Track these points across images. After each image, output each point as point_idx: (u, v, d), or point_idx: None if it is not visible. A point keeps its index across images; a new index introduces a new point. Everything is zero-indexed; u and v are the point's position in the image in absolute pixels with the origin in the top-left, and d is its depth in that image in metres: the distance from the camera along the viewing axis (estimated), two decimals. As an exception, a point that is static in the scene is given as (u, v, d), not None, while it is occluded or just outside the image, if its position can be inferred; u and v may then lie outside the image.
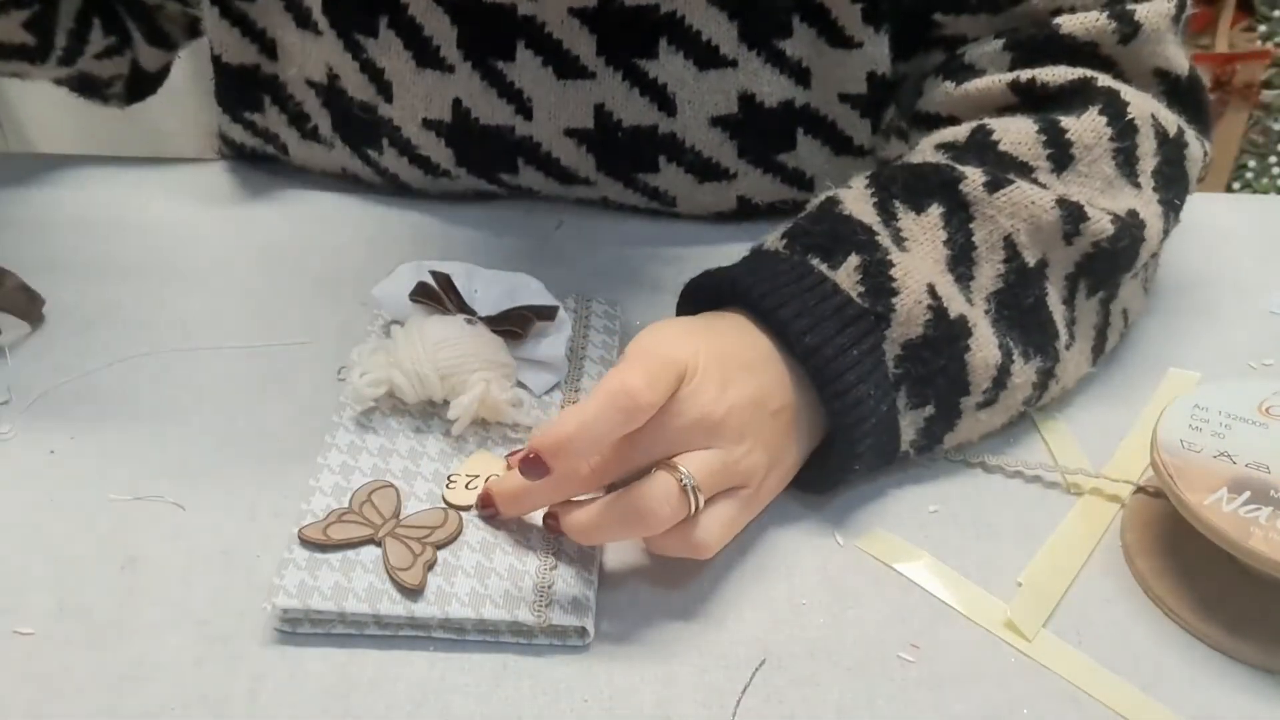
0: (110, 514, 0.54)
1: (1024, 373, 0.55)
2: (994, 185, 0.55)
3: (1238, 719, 0.47)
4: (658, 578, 0.51)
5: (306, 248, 0.71)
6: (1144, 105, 0.59)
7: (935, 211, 0.55)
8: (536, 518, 0.51)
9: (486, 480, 0.53)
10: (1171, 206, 0.60)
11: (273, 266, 0.69)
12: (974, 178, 0.56)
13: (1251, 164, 1.68)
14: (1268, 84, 1.64)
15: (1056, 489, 0.57)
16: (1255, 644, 0.49)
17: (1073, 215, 0.56)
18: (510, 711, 0.46)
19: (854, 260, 0.53)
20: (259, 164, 0.79)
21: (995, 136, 0.58)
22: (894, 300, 0.52)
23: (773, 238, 0.56)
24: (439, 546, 0.50)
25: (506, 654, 0.48)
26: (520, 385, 0.58)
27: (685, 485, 0.47)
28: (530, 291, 0.62)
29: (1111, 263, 0.57)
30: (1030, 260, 0.56)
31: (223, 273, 0.69)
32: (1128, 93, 0.59)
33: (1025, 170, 0.57)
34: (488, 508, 0.51)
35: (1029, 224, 0.55)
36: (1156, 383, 0.63)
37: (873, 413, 0.52)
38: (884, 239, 0.54)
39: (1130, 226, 0.57)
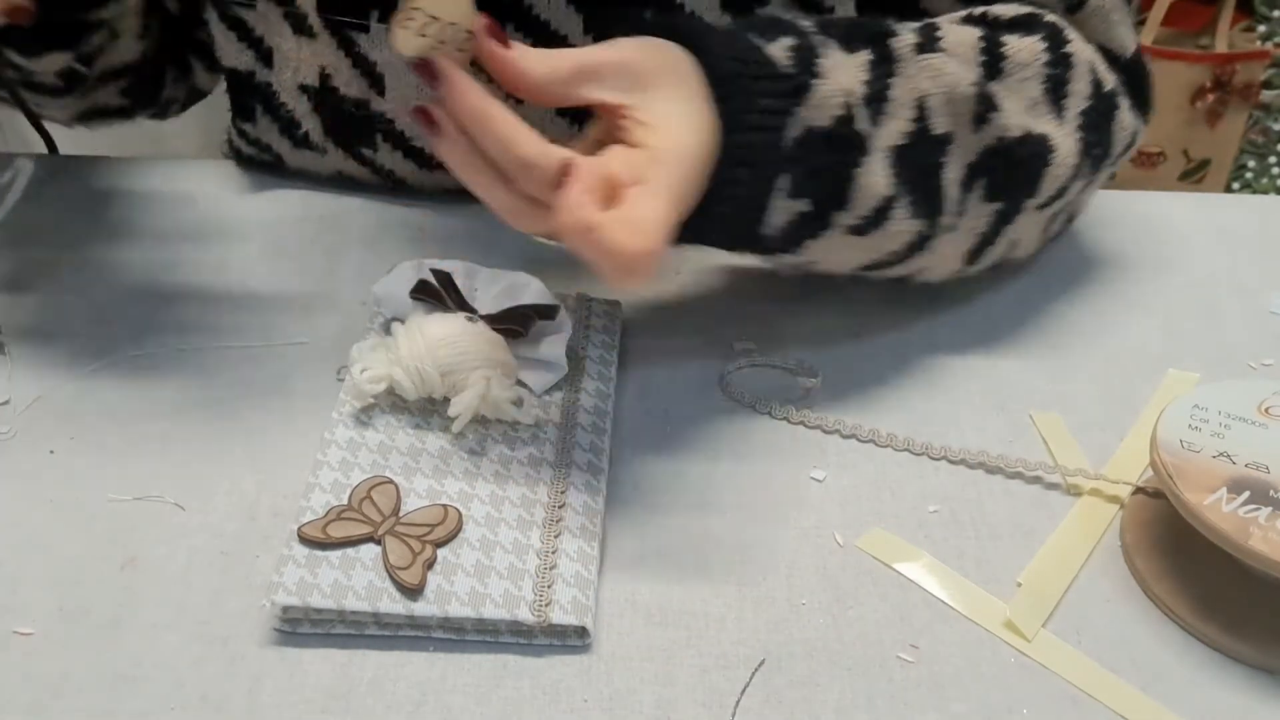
0: (110, 514, 0.54)
1: (904, 223, 0.57)
2: (922, 47, 0.57)
3: (1237, 719, 0.47)
4: (658, 578, 0.51)
5: (306, 248, 0.71)
6: (1086, 51, 0.61)
7: (863, 55, 0.56)
8: (538, 517, 0.52)
9: (442, 24, 0.47)
10: (1089, 151, 0.62)
11: (273, 266, 0.69)
12: (906, 36, 0.57)
13: (1251, 164, 1.68)
14: (1268, 84, 1.64)
15: (1056, 489, 0.57)
16: (1255, 644, 0.49)
17: (986, 101, 0.57)
18: (510, 711, 0.46)
19: (789, 40, 0.54)
20: (258, 170, 0.79)
21: (939, 34, 0.59)
22: (815, 81, 0.53)
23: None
24: (439, 544, 0.50)
25: (506, 654, 0.48)
26: (520, 384, 0.58)
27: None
28: (530, 291, 0.62)
29: (1011, 170, 0.59)
30: (936, 128, 0.56)
31: (223, 272, 0.69)
32: (1072, 33, 0.61)
33: None
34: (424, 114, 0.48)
35: (944, 93, 0.56)
36: (1156, 383, 0.63)
37: (761, 164, 0.52)
38: (816, 40, 0.55)
39: (1038, 142, 0.59)
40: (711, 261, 0.70)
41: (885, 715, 0.46)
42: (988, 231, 0.61)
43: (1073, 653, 0.49)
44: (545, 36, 0.66)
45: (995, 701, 0.47)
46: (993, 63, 0.58)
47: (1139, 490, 0.55)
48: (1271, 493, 0.49)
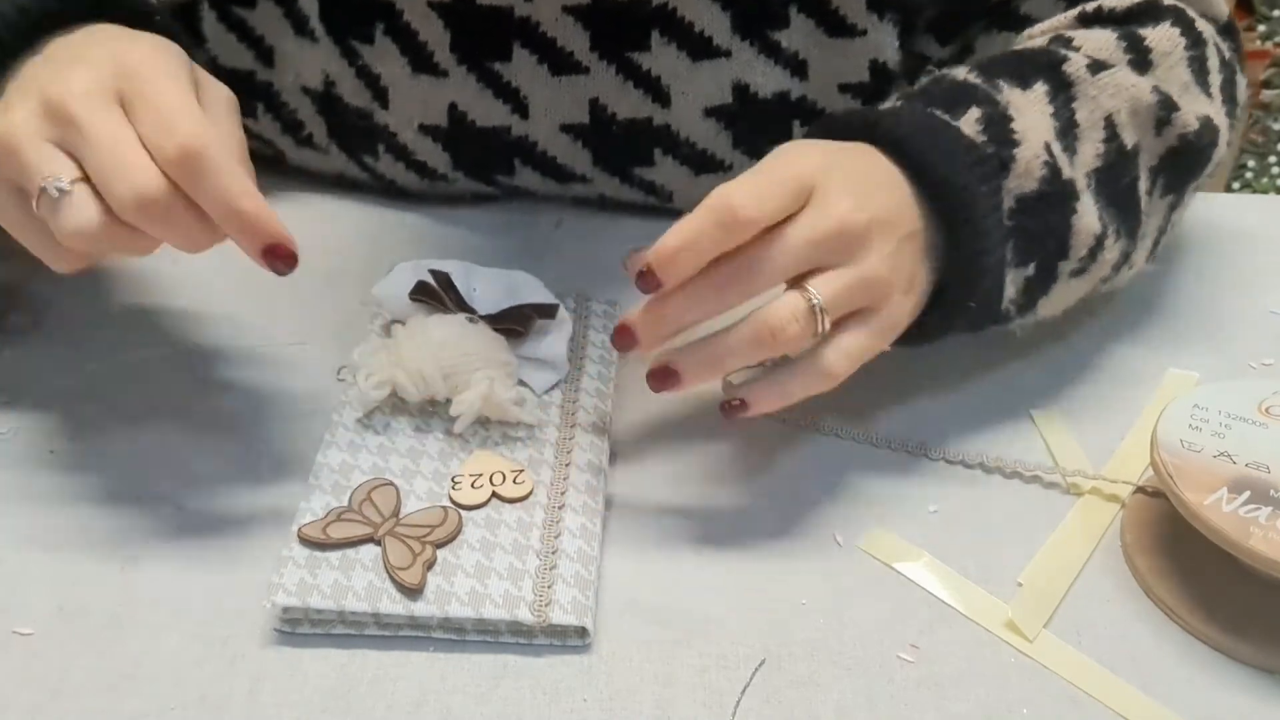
0: (110, 514, 0.54)
1: (1113, 249, 0.57)
2: (1097, 67, 0.57)
3: (1238, 719, 0.47)
4: (658, 578, 0.51)
5: (306, 248, 0.71)
6: (1208, 26, 0.62)
7: (1040, 89, 0.56)
8: (538, 518, 0.52)
9: (491, 476, 0.53)
10: (1233, 119, 0.63)
11: (273, 266, 0.69)
12: (1077, 59, 0.57)
13: (1251, 164, 1.68)
14: (1267, 84, 1.64)
15: (1056, 489, 0.57)
16: (1255, 644, 0.49)
17: (1166, 103, 0.57)
18: (510, 711, 0.46)
19: (975, 112, 0.54)
20: (258, 165, 0.78)
21: (1077, 43, 0.59)
22: (1015, 150, 0.53)
23: (887, 104, 0.57)
24: (439, 545, 0.50)
25: (506, 654, 0.48)
26: (522, 384, 0.58)
27: (813, 304, 0.48)
28: (529, 290, 0.62)
29: (1190, 161, 0.59)
30: (1128, 142, 0.57)
31: (223, 273, 0.69)
32: (1191, 10, 0.62)
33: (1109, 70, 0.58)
34: (626, 337, 0.50)
35: (1129, 105, 0.57)
36: (1156, 383, 0.63)
37: (995, 248, 0.52)
38: (1001, 98, 0.55)
39: (1207, 128, 0.59)
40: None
41: (885, 715, 0.46)
42: (1163, 224, 0.61)
43: (1073, 653, 0.49)
44: (553, 54, 0.66)
45: (995, 701, 0.47)
46: (1139, 59, 0.59)
47: (1139, 490, 0.55)
48: (1272, 493, 0.49)
